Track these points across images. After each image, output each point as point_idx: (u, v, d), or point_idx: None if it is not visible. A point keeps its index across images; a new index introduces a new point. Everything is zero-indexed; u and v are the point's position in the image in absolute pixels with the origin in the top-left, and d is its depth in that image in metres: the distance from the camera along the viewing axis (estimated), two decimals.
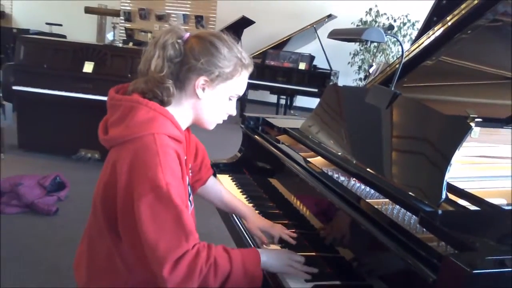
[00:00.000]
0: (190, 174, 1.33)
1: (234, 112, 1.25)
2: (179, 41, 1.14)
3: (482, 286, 0.77)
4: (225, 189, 1.55)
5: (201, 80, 1.14)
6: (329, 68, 6.16)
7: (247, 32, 6.76)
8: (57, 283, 2.27)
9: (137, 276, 1.14)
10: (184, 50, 1.14)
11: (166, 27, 1.17)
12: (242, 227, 1.50)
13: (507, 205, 1.30)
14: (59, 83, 3.99)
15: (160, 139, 1.07)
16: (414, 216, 1.12)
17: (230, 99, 1.21)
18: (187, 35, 1.16)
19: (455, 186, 1.17)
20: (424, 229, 1.03)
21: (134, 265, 1.12)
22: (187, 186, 1.18)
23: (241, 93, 1.23)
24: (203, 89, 1.15)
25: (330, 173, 1.43)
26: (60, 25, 8.03)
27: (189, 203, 1.19)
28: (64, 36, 7.12)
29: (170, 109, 1.15)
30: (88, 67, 4.04)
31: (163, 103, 1.14)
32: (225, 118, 1.25)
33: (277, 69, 6.29)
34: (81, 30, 8.39)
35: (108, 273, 1.17)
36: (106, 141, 1.14)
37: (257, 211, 1.55)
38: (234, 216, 1.56)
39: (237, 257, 1.09)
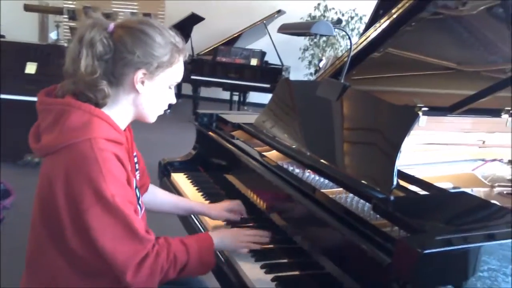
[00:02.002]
0: (138, 176, 1.27)
1: (174, 100, 1.19)
2: (106, 35, 1.05)
3: (433, 264, 0.80)
4: (172, 194, 1.54)
5: (139, 74, 1.07)
6: (280, 63, 6.21)
7: (197, 29, 6.69)
8: None
9: (98, 283, 1.09)
10: (114, 44, 1.05)
11: (88, 20, 1.07)
12: (200, 224, 1.49)
13: (453, 188, 1.37)
14: (1, 85, 3.79)
15: (98, 144, 1.00)
16: (367, 203, 1.15)
17: (170, 88, 1.15)
18: (111, 26, 1.07)
19: (405, 173, 1.22)
20: (378, 216, 1.07)
21: (99, 272, 1.07)
22: (134, 189, 1.12)
23: (179, 80, 1.17)
24: (143, 83, 1.09)
25: (285, 166, 1.45)
26: None
27: (138, 206, 1.14)
28: (3, 36, 6.76)
29: (107, 109, 1.07)
30: (31, 68, 3.87)
31: (98, 105, 1.06)
32: (166, 108, 1.19)
33: (228, 66, 6.27)
34: (21, 29, 7.98)
35: None
36: (38, 150, 1.06)
37: (212, 204, 1.53)
38: (193, 216, 1.54)
39: (193, 248, 1.12)
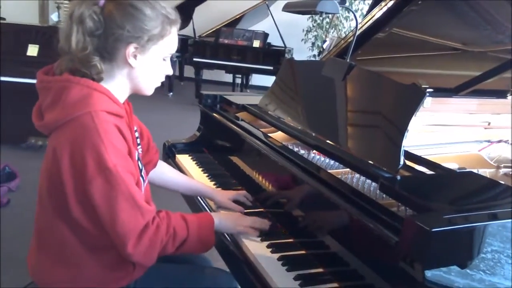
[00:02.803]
0: (140, 149, 1.28)
1: (171, 71, 1.19)
2: (96, 9, 1.04)
3: (440, 243, 0.80)
4: (180, 173, 1.55)
5: (131, 48, 1.06)
6: (283, 45, 6.16)
7: (198, 10, 6.62)
8: (13, 275, 2.19)
9: (103, 257, 1.11)
10: (104, 19, 1.04)
11: None
12: (208, 207, 1.49)
13: (459, 168, 1.37)
14: (2, 67, 3.77)
15: (98, 117, 1.01)
16: (373, 183, 1.15)
17: (164, 60, 1.15)
18: (102, 0, 1.05)
19: (412, 153, 1.21)
20: (384, 195, 1.07)
21: (105, 245, 1.09)
22: (136, 161, 1.13)
23: (174, 51, 1.16)
24: (135, 57, 1.08)
25: (290, 147, 1.44)
26: None
27: (141, 178, 1.15)
28: (3, 19, 6.71)
29: (104, 84, 1.08)
30: (33, 50, 3.85)
31: (94, 80, 1.07)
32: (163, 79, 1.20)
33: (231, 48, 6.22)
34: (21, 11, 7.91)
35: (62, 265, 1.11)
36: (42, 127, 1.08)
37: (219, 189, 1.56)
38: (199, 198, 1.54)
39: (193, 224, 1.13)
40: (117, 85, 1.12)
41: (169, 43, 1.13)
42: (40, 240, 1.16)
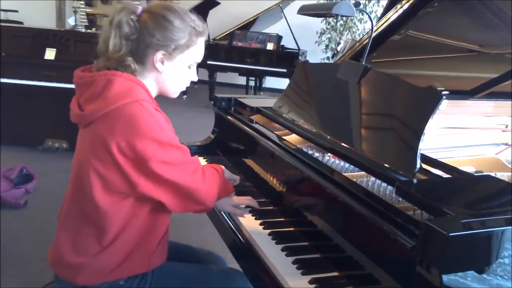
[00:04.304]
0: None
1: (195, 78, 1.29)
2: (132, 17, 1.16)
3: (457, 248, 0.80)
4: None
5: (159, 54, 1.17)
6: (297, 47, 6.15)
7: (213, 13, 6.65)
8: (32, 275, 2.22)
9: (132, 237, 1.17)
10: (139, 26, 1.16)
11: (119, 4, 1.20)
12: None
13: (476, 172, 1.35)
14: (19, 71, 3.84)
15: (145, 103, 1.11)
16: (389, 187, 1.14)
17: (189, 67, 1.24)
18: (139, 10, 1.18)
19: (428, 156, 1.20)
20: (399, 199, 1.06)
21: (138, 222, 1.17)
22: None
23: (199, 60, 1.26)
24: (162, 63, 1.19)
25: (305, 150, 1.44)
26: (16, 11, 7.68)
27: None
28: (21, 23, 6.82)
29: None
30: (50, 54, 3.90)
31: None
32: (188, 84, 1.29)
33: (244, 50, 6.23)
34: (38, 16, 8.04)
35: (83, 253, 1.16)
36: (82, 117, 1.15)
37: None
38: None
39: (215, 169, 1.36)
40: (147, 85, 1.20)
41: (195, 53, 1.23)
42: (66, 228, 1.20)
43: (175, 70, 1.21)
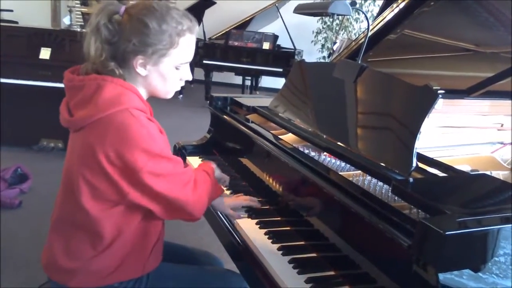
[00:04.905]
0: None
1: (189, 77, 1.22)
2: (114, 18, 1.10)
3: (454, 246, 0.80)
4: None
5: (138, 59, 1.12)
6: (293, 47, 6.15)
7: (208, 13, 6.64)
8: (27, 276, 2.21)
9: (126, 239, 1.15)
10: (119, 28, 1.10)
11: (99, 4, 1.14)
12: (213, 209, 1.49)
13: (472, 171, 1.35)
14: (14, 71, 3.81)
15: (135, 113, 1.08)
16: (385, 186, 1.14)
17: (177, 68, 1.18)
18: (122, 9, 1.11)
19: (423, 155, 1.20)
20: (396, 198, 1.06)
21: (132, 229, 1.15)
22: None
23: (188, 60, 1.19)
24: (144, 67, 1.13)
25: (301, 149, 1.44)
26: (11, 10, 7.64)
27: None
28: (16, 22, 6.79)
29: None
30: (45, 53, 3.88)
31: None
32: (182, 84, 1.23)
33: (240, 50, 6.23)
34: (33, 15, 8.01)
35: (77, 256, 1.14)
36: (72, 123, 1.12)
37: (230, 191, 1.56)
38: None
39: (206, 172, 1.33)
40: (138, 88, 1.16)
41: (180, 54, 1.16)
42: (59, 231, 1.18)
43: (160, 73, 1.15)
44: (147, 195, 1.10)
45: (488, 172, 1.33)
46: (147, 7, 1.12)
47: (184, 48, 1.16)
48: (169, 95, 1.22)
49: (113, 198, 1.10)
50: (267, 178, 1.50)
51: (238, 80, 7.13)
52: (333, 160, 1.38)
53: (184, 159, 1.91)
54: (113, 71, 1.11)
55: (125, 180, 1.07)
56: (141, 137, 1.06)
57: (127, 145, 1.04)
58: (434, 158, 1.20)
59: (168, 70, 1.16)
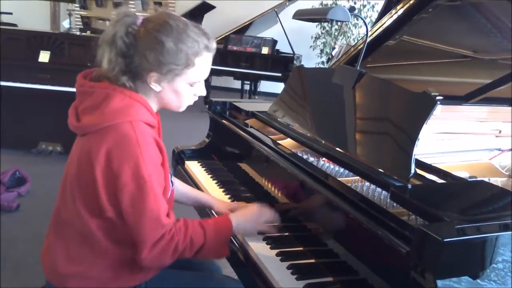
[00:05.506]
0: None
1: (203, 93, 1.21)
2: (132, 28, 1.07)
3: (452, 253, 0.80)
4: (181, 182, 1.54)
5: (152, 76, 1.10)
6: (291, 52, 6.17)
7: (207, 17, 6.66)
8: (26, 278, 2.20)
9: (124, 251, 1.13)
10: (136, 42, 1.08)
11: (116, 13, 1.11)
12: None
13: (470, 177, 1.35)
14: (13, 74, 3.81)
15: (139, 127, 1.06)
16: (384, 192, 1.14)
17: (191, 86, 1.16)
18: (140, 21, 1.09)
19: (422, 161, 1.20)
20: (394, 204, 1.06)
21: (127, 240, 1.11)
22: (168, 169, 1.18)
23: (203, 78, 1.18)
24: (158, 83, 1.11)
25: (299, 154, 1.44)
26: (10, 13, 7.65)
27: (170, 183, 1.21)
28: (15, 25, 6.79)
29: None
30: (44, 56, 3.88)
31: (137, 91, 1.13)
32: (196, 99, 1.22)
33: (239, 54, 6.24)
34: (33, 18, 8.01)
35: (77, 262, 1.14)
36: (79, 128, 1.12)
37: (228, 195, 1.56)
38: (207, 210, 1.54)
39: (210, 231, 1.16)
40: (150, 100, 1.15)
41: (195, 73, 1.13)
42: (59, 235, 1.18)
43: (174, 90, 1.13)
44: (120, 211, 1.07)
45: (486, 179, 1.34)
46: (164, 23, 1.08)
47: (200, 67, 1.14)
48: (182, 109, 1.20)
49: (98, 209, 1.09)
50: (266, 183, 1.50)
51: (237, 84, 7.14)
52: (332, 166, 1.38)
53: (183, 164, 1.91)
54: (124, 85, 1.10)
55: (106, 195, 1.06)
56: (134, 154, 1.03)
57: (119, 156, 1.04)
58: (433, 165, 1.20)
59: (183, 87, 1.14)
